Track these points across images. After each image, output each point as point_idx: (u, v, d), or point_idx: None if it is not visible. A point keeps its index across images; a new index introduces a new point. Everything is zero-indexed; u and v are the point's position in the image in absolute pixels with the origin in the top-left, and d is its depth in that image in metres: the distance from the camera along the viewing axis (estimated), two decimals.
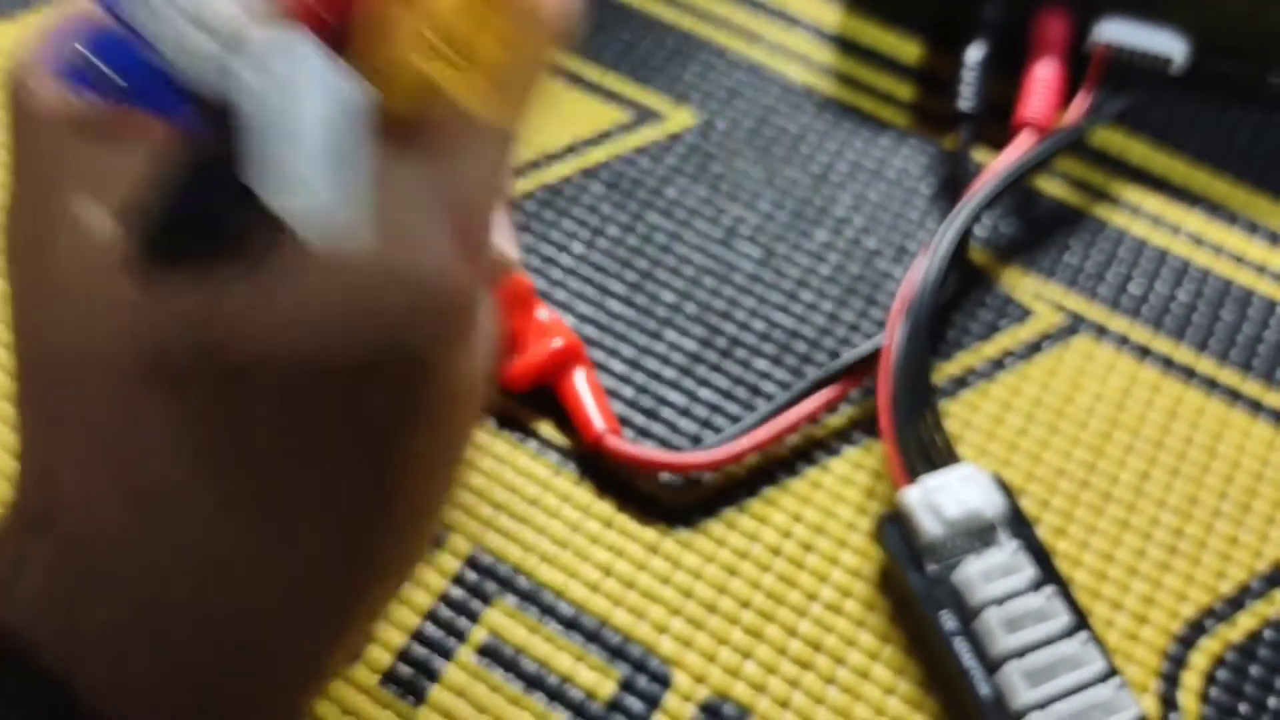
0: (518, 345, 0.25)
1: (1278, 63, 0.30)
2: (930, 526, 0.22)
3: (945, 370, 0.27)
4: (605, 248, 0.28)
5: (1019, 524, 0.23)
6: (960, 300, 0.27)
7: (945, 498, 0.22)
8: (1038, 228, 0.29)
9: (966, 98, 0.29)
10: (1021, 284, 0.28)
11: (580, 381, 0.25)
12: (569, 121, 0.30)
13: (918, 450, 0.24)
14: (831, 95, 0.31)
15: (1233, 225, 0.29)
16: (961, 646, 0.22)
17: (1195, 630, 0.24)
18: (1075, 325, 0.27)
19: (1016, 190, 0.28)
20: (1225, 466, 0.26)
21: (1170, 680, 0.23)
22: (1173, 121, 0.31)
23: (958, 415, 0.26)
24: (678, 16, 0.32)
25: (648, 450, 0.25)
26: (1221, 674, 0.23)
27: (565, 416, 0.25)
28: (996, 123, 0.29)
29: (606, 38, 0.31)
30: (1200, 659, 0.24)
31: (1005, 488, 0.24)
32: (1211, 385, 0.27)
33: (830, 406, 0.25)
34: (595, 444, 0.25)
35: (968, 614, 0.22)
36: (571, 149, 0.29)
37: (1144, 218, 0.29)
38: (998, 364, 0.27)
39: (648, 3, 0.32)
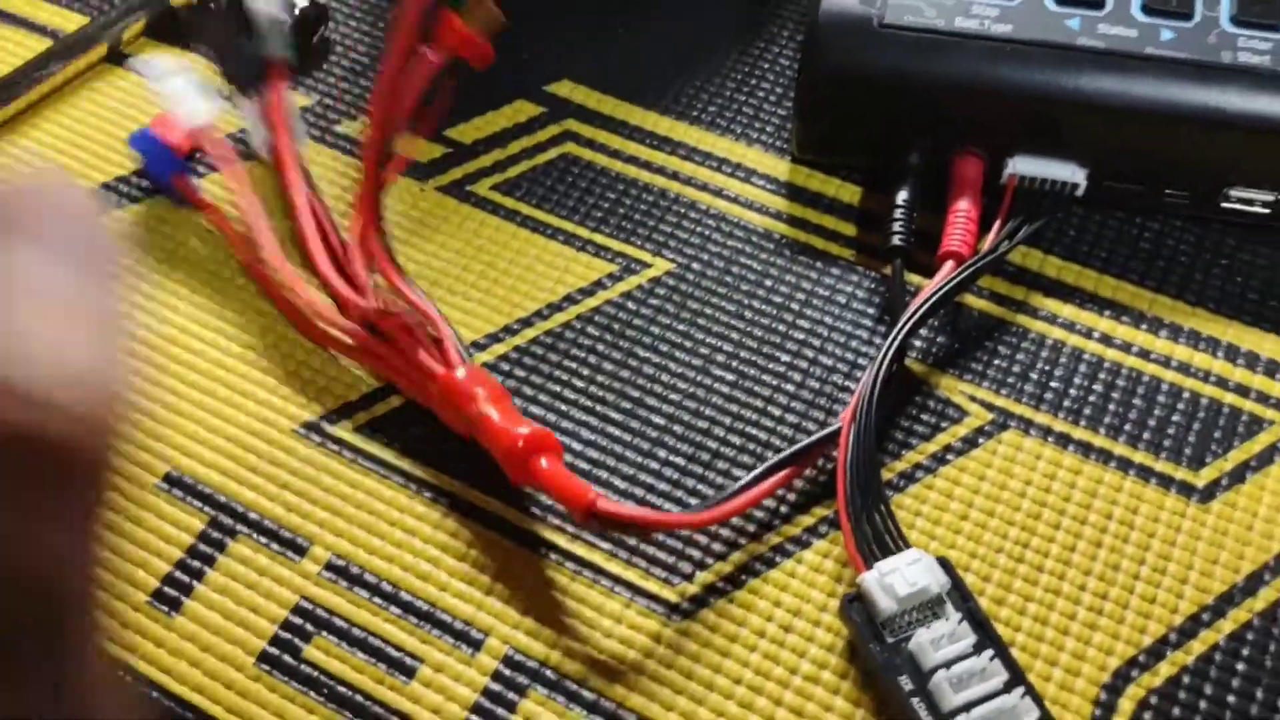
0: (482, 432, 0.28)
1: (1170, 184, 0.35)
2: (886, 604, 0.27)
3: (895, 468, 0.31)
4: (602, 381, 0.33)
5: (962, 597, 0.28)
6: (904, 406, 0.32)
7: (896, 579, 0.27)
8: (968, 339, 0.34)
9: (897, 233, 0.34)
10: (956, 389, 0.33)
11: (556, 463, 0.28)
12: (565, 275, 0.35)
13: (873, 540, 0.28)
14: (787, 236, 0.36)
15: (1139, 324, 0.34)
16: (919, 705, 0.26)
17: (1122, 679, 0.28)
18: (1005, 421, 0.32)
19: (946, 308, 0.33)
20: (1142, 537, 0.30)
21: None
22: (1080, 237, 0.36)
23: (909, 506, 0.31)
24: (651, 177, 0.37)
25: (641, 510, 0.29)
26: (1146, 716, 0.27)
27: (567, 516, 0.30)
28: (927, 249, 0.34)
29: (593, 200, 0.37)
30: (1127, 704, 0.28)
31: (948, 567, 0.28)
32: (1127, 466, 0.31)
33: (795, 477, 0.30)
34: (589, 509, 0.26)
35: (922, 677, 0.26)
36: (569, 299, 0.35)
37: (1060, 324, 0.34)
38: (940, 459, 0.31)
39: (627, 167, 0.37)
